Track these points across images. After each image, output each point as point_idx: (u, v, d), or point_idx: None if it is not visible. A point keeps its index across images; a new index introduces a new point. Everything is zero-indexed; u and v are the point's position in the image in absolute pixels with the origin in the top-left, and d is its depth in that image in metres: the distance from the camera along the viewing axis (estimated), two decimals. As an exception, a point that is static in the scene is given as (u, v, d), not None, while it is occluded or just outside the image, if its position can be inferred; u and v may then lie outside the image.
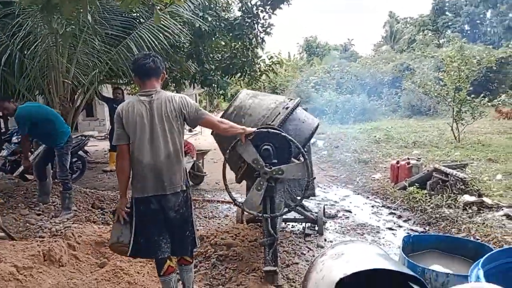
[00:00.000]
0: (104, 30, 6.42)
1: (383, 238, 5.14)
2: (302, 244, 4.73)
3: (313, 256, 4.19)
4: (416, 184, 6.66)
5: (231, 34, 8.98)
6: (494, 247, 3.37)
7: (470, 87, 11.39)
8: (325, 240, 4.95)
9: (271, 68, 11.22)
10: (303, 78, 25.33)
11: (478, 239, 4.52)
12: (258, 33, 9.25)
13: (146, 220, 2.89)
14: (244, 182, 4.28)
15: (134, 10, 6.94)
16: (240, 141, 3.38)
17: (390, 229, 5.49)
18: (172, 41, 6.93)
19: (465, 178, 6.25)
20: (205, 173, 8.01)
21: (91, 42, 6.48)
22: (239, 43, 9.41)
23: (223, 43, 9.82)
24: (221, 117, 3.98)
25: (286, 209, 3.83)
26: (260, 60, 11.01)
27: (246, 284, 3.47)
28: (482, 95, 11.70)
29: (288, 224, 5.42)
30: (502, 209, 5.41)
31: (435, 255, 3.18)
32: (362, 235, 5.23)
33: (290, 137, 3.49)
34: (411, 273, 2.35)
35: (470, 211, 5.52)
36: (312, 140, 11.34)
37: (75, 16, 5.67)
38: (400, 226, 5.59)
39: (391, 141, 11.89)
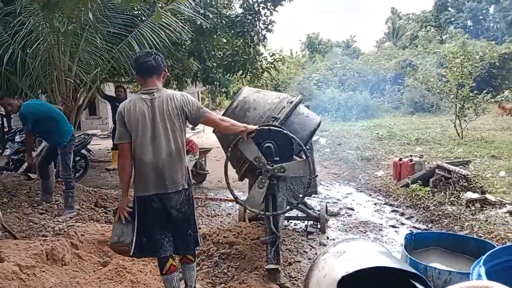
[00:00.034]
0: (105, 28, 6.41)
1: (386, 235, 5.13)
2: (304, 242, 4.74)
3: (316, 254, 4.18)
4: (419, 181, 6.65)
5: (232, 31, 8.96)
6: (497, 245, 3.36)
7: (473, 83, 11.33)
8: (328, 238, 4.95)
9: (273, 65, 11.19)
10: (305, 75, 25.26)
11: (481, 236, 4.51)
12: (260, 30, 9.22)
13: (148, 219, 2.89)
14: (246, 180, 4.28)
15: (135, 8, 6.94)
16: (242, 138, 3.38)
17: (393, 226, 5.48)
18: (174, 38, 6.91)
19: (468, 175, 6.22)
20: (207, 171, 8.01)
21: (92, 40, 6.48)
22: (241, 40, 9.38)
23: (225, 41, 9.80)
24: (225, 112, 3.98)
25: (288, 207, 3.82)
26: (262, 58, 10.98)
27: (249, 282, 3.46)
28: (485, 91, 11.65)
29: (291, 222, 5.42)
30: (506, 206, 5.39)
31: (437, 252, 3.18)
32: (365, 233, 5.22)
33: (292, 135, 3.48)
34: (413, 270, 2.34)
35: (473, 208, 5.50)
36: (315, 138, 11.33)
37: (76, 14, 5.68)
38: (402, 224, 5.58)
39: (394, 138, 11.85)
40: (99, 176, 8.87)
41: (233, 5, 9.79)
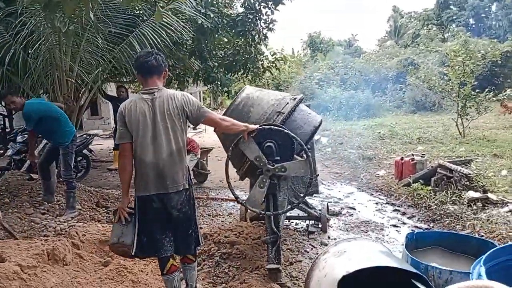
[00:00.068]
0: (107, 28, 6.42)
1: (387, 235, 5.13)
2: (305, 241, 4.73)
3: (317, 253, 4.18)
4: (421, 181, 6.63)
5: (233, 31, 8.96)
6: (498, 244, 3.34)
7: (475, 81, 11.29)
8: (329, 237, 4.94)
9: (274, 65, 11.18)
10: (306, 74, 25.24)
11: (482, 236, 4.50)
12: (261, 29, 9.21)
13: (149, 218, 2.89)
14: (248, 180, 4.28)
15: (136, 8, 6.95)
16: (243, 138, 3.38)
17: (394, 226, 5.47)
18: (175, 38, 6.92)
19: (469, 174, 6.21)
20: (209, 171, 8.01)
21: (94, 40, 6.49)
22: (242, 39, 9.38)
23: (226, 40, 9.79)
24: (228, 108, 3.98)
25: (289, 207, 3.82)
26: (263, 57, 10.97)
27: (250, 282, 3.46)
28: (487, 89, 11.60)
29: (292, 222, 5.42)
30: (507, 205, 5.37)
31: (438, 252, 3.17)
32: (366, 232, 5.21)
33: (292, 134, 3.47)
34: (414, 270, 2.34)
35: (474, 207, 5.49)
36: (316, 137, 11.32)
37: (77, 14, 5.70)
38: (404, 223, 5.57)
39: (396, 137, 11.82)
40: (101, 176, 8.88)
41: (234, 4, 9.78)
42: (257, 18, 8.89)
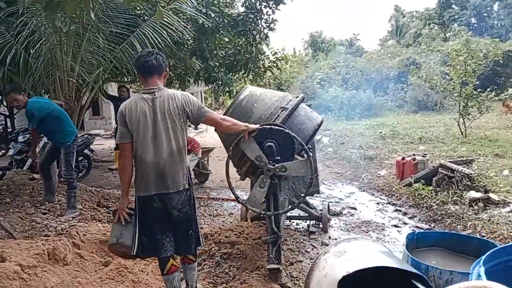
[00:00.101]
0: (108, 28, 6.42)
1: (388, 235, 5.12)
2: (306, 241, 4.73)
3: (318, 254, 4.18)
4: (422, 181, 6.62)
5: (234, 30, 8.94)
6: (499, 244, 3.33)
7: (476, 81, 11.26)
8: (330, 237, 4.94)
9: (275, 64, 11.17)
10: (308, 74, 25.21)
11: (484, 236, 4.49)
12: (262, 29, 9.20)
13: (149, 218, 2.89)
14: (249, 180, 4.28)
15: (137, 8, 6.95)
16: (244, 138, 3.38)
17: (395, 226, 5.46)
18: (176, 38, 6.91)
19: (471, 174, 6.19)
20: (210, 171, 8.01)
21: (95, 40, 6.49)
22: (243, 39, 9.37)
23: (227, 40, 9.79)
24: (231, 106, 3.98)
25: (289, 207, 3.82)
26: (264, 57, 10.96)
27: (250, 282, 3.46)
28: (489, 89, 11.57)
29: (293, 222, 5.41)
30: (509, 205, 5.35)
31: (439, 252, 3.16)
32: (367, 232, 5.21)
33: (293, 134, 3.47)
34: (414, 270, 2.33)
35: (476, 207, 5.47)
36: (318, 137, 11.29)
37: (78, 14, 5.69)
38: (405, 223, 5.57)
39: (397, 137, 11.81)
40: (102, 176, 8.89)
41: (235, 4, 9.77)
42: (258, 17, 8.88)
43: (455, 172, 6.31)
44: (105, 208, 5.81)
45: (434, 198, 6.04)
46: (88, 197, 6.03)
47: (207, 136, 14.64)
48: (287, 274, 3.79)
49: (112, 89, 10.48)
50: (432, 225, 5.38)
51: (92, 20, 5.63)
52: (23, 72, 6.24)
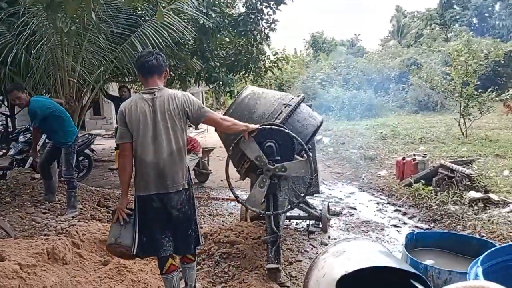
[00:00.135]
0: (108, 28, 6.44)
1: (388, 235, 5.12)
2: (305, 241, 4.73)
3: (317, 253, 4.18)
4: (422, 181, 6.62)
5: (235, 31, 8.95)
6: (499, 244, 3.33)
7: (477, 81, 11.27)
8: (329, 237, 4.94)
9: (276, 65, 11.17)
10: (309, 74, 25.20)
11: (483, 236, 4.49)
12: (263, 29, 9.21)
13: (149, 218, 2.90)
14: (249, 180, 4.28)
15: (138, 8, 6.96)
16: (243, 138, 3.38)
17: (395, 226, 5.46)
18: (177, 38, 6.93)
19: (471, 174, 6.19)
20: (210, 170, 8.01)
21: (96, 40, 6.51)
22: (244, 39, 9.38)
23: (228, 40, 9.80)
24: (232, 104, 3.98)
25: (289, 206, 3.82)
26: (265, 57, 10.97)
27: (249, 282, 3.47)
28: (490, 89, 11.57)
29: (292, 222, 5.42)
30: (509, 206, 5.35)
31: (438, 252, 3.16)
32: (367, 232, 5.21)
33: (293, 134, 3.47)
34: (413, 270, 2.34)
35: (476, 207, 5.47)
36: (318, 137, 11.29)
37: (79, 14, 5.71)
38: (405, 223, 5.57)
39: (398, 137, 11.81)
40: (103, 176, 8.91)
41: (236, 4, 9.78)
42: (258, 18, 8.89)
43: (455, 172, 6.31)
44: (105, 208, 5.82)
45: (434, 198, 6.04)
46: (88, 197, 6.04)
47: (207, 136, 14.65)
48: (286, 274, 3.80)
49: (113, 89, 10.50)
50: (432, 225, 5.38)
51: (93, 20, 5.65)
52: (24, 72, 6.26)
